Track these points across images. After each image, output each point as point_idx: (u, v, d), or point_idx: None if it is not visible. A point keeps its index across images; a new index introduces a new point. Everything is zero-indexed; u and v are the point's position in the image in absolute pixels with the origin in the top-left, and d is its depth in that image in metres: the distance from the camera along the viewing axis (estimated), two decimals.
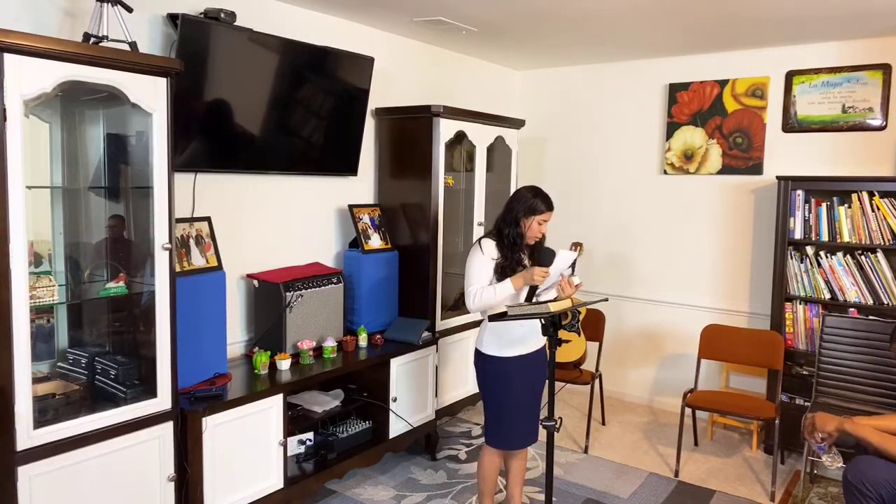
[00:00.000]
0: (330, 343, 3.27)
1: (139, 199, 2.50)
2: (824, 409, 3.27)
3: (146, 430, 2.37)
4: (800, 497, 3.33)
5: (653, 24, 3.61)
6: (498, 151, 4.29)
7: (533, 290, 2.65)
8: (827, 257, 3.70)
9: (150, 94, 2.31)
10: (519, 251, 2.71)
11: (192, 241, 2.79)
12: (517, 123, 4.34)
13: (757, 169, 4.19)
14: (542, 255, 2.66)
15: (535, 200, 2.70)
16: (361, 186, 3.88)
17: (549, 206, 2.71)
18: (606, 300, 2.97)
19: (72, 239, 2.48)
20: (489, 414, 2.80)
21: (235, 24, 2.93)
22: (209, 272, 2.80)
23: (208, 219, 2.89)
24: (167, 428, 2.43)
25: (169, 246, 2.39)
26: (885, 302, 3.55)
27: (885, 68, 3.75)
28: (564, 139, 5.00)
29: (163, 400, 2.42)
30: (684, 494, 3.37)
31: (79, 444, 2.19)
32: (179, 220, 2.70)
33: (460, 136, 3.88)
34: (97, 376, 2.48)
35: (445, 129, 3.70)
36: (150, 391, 2.41)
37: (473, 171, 4.05)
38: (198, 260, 2.79)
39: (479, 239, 2.77)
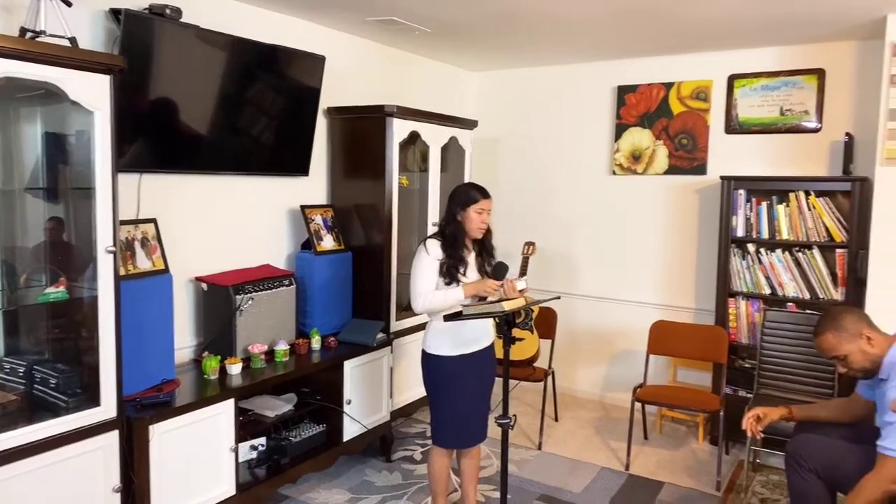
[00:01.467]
0: (282, 346, 3.22)
1: (80, 201, 2.41)
2: (765, 399, 3.40)
3: (89, 440, 2.29)
4: (743, 485, 3.45)
5: (602, 27, 3.68)
6: (452, 152, 4.30)
7: (482, 297, 2.68)
8: (767, 254, 3.85)
9: (92, 92, 2.23)
10: (461, 247, 2.72)
11: (137, 244, 2.71)
12: (470, 124, 4.36)
13: (701, 169, 4.33)
14: (497, 269, 2.71)
15: (470, 191, 2.75)
16: (313, 187, 3.84)
17: (484, 195, 2.74)
18: (559, 298, 3.01)
19: (7, 242, 2.38)
20: (436, 414, 2.80)
21: (181, 20, 2.86)
22: (155, 275, 2.73)
23: (154, 220, 2.81)
24: (112, 437, 2.35)
25: (113, 249, 2.31)
26: (821, 296, 3.71)
27: (819, 73, 3.92)
28: (517, 140, 5.05)
29: (107, 408, 2.34)
30: (635, 487, 3.45)
31: (17, 457, 2.10)
32: (124, 223, 2.62)
33: (414, 137, 3.88)
34: (36, 385, 2.37)
35: (399, 129, 3.69)
36: (93, 399, 2.33)
37: (428, 171, 4.06)
38: (143, 263, 2.71)
39: (424, 240, 2.78)
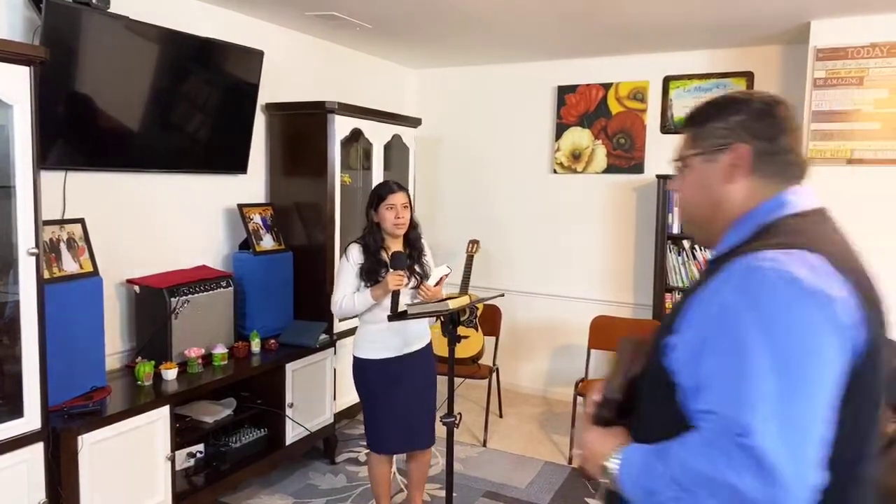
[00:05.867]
0: (220, 350, 3.12)
1: None
2: None
3: (11, 453, 2.15)
4: None
5: (542, 28, 3.73)
6: (395, 150, 4.27)
7: (396, 297, 2.57)
8: (702, 250, 3.99)
9: (10, 85, 2.10)
10: (380, 249, 2.69)
11: (62, 246, 2.57)
12: (414, 122, 4.34)
13: (638, 168, 4.44)
14: (393, 260, 2.63)
15: (379, 189, 2.73)
16: (252, 185, 3.73)
17: (392, 190, 2.69)
18: (503, 296, 3.03)
19: None
20: (369, 420, 2.76)
21: (109, 10, 2.73)
22: (83, 278, 2.59)
23: (82, 220, 2.67)
24: (37, 450, 2.22)
25: (35, 251, 2.19)
26: None
27: (748, 76, 4.09)
28: (460, 138, 5.06)
29: (30, 419, 2.21)
30: (577, 480, 3.51)
31: None
32: (48, 223, 2.48)
33: (356, 134, 3.83)
34: None
35: (341, 127, 3.63)
36: (15, 411, 2.19)
37: (371, 169, 4.01)
38: (70, 265, 2.57)
39: (349, 244, 2.75)
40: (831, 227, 1.05)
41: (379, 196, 2.69)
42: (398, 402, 2.71)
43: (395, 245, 2.74)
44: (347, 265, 2.68)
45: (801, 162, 1.08)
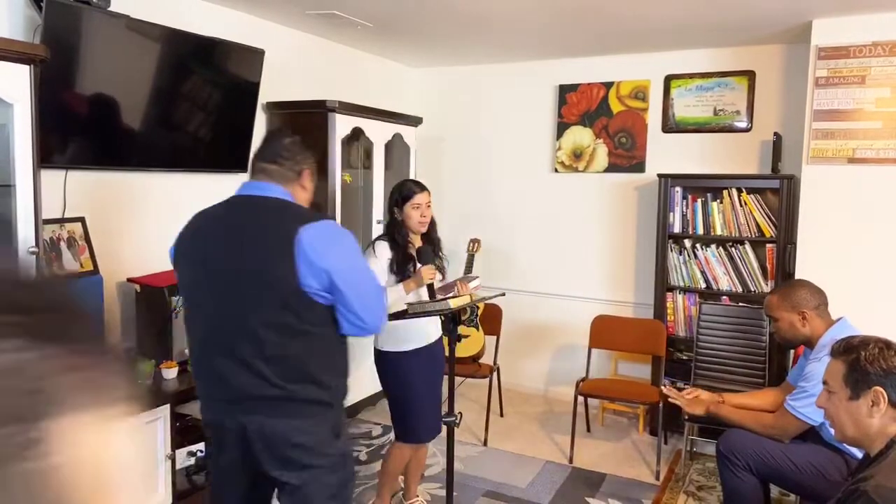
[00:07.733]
0: None
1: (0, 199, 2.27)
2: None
3: None
4: (681, 474, 3.56)
5: (544, 26, 3.72)
6: (396, 149, 4.27)
7: (431, 288, 2.68)
8: (702, 249, 3.98)
9: (11, 83, 2.10)
10: (406, 242, 2.73)
11: (63, 244, 2.57)
12: (414, 121, 4.34)
13: (640, 167, 4.44)
14: (420, 254, 2.71)
15: (403, 188, 2.78)
16: None
17: (417, 190, 2.75)
18: (503, 295, 3.03)
19: None
20: (396, 411, 2.79)
21: (110, 9, 2.73)
22: (83, 277, 2.60)
23: (82, 219, 2.68)
24: None
25: (35, 250, 2.19)
26: (753, 289, 3.87)
27: (750, 75, 4.08)
28: (461, 137, 5.06)
29: None
30: (578, 479, 3.51)
31: None
32: (48, 222, 2.49)
33: (357, 133, 3.83)
34: None
35: (341, 126, 3.63)
36: None
37: (371, 168, 4.01)
38: (70, 264, 2.58)
39: (373, 241, 2.80)
40: (240, 206, 1.79)
41: (406, 195, 2.74)
42: (422, 391, 2.75)
43: (415, 241, 2.80)
44: (375, 259, 2.70)
45: (258, 166, 1.81)
